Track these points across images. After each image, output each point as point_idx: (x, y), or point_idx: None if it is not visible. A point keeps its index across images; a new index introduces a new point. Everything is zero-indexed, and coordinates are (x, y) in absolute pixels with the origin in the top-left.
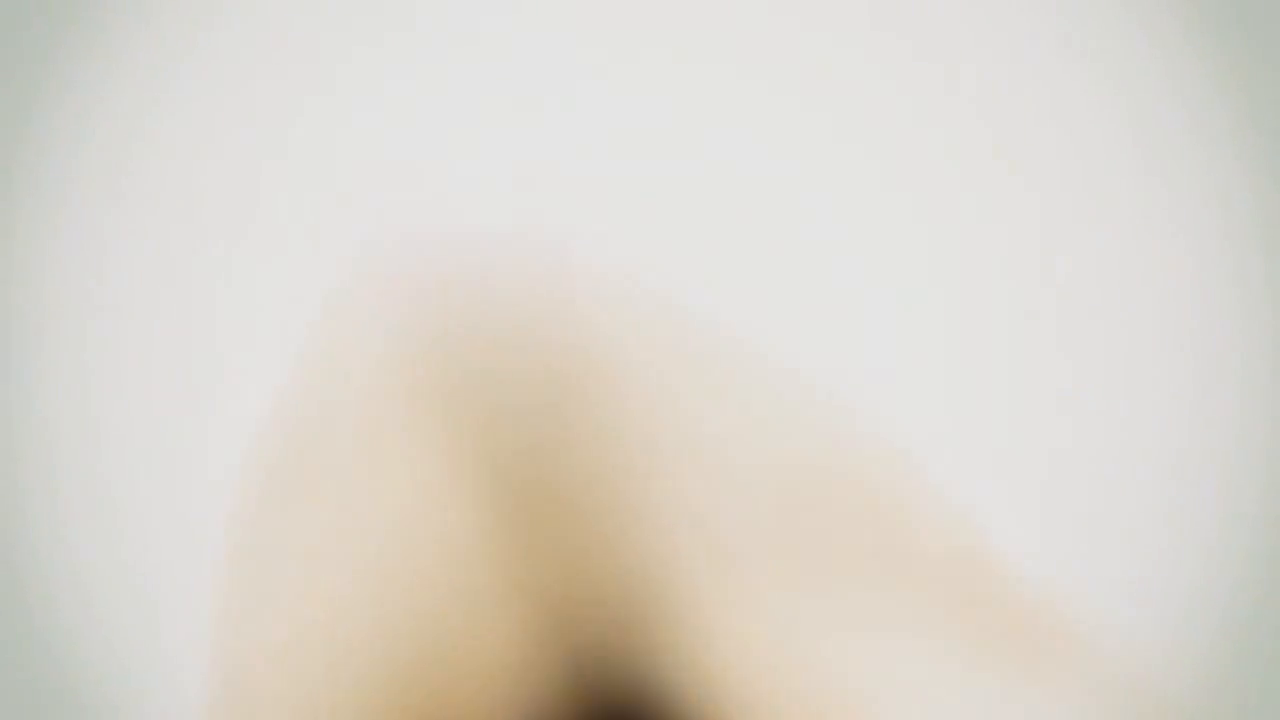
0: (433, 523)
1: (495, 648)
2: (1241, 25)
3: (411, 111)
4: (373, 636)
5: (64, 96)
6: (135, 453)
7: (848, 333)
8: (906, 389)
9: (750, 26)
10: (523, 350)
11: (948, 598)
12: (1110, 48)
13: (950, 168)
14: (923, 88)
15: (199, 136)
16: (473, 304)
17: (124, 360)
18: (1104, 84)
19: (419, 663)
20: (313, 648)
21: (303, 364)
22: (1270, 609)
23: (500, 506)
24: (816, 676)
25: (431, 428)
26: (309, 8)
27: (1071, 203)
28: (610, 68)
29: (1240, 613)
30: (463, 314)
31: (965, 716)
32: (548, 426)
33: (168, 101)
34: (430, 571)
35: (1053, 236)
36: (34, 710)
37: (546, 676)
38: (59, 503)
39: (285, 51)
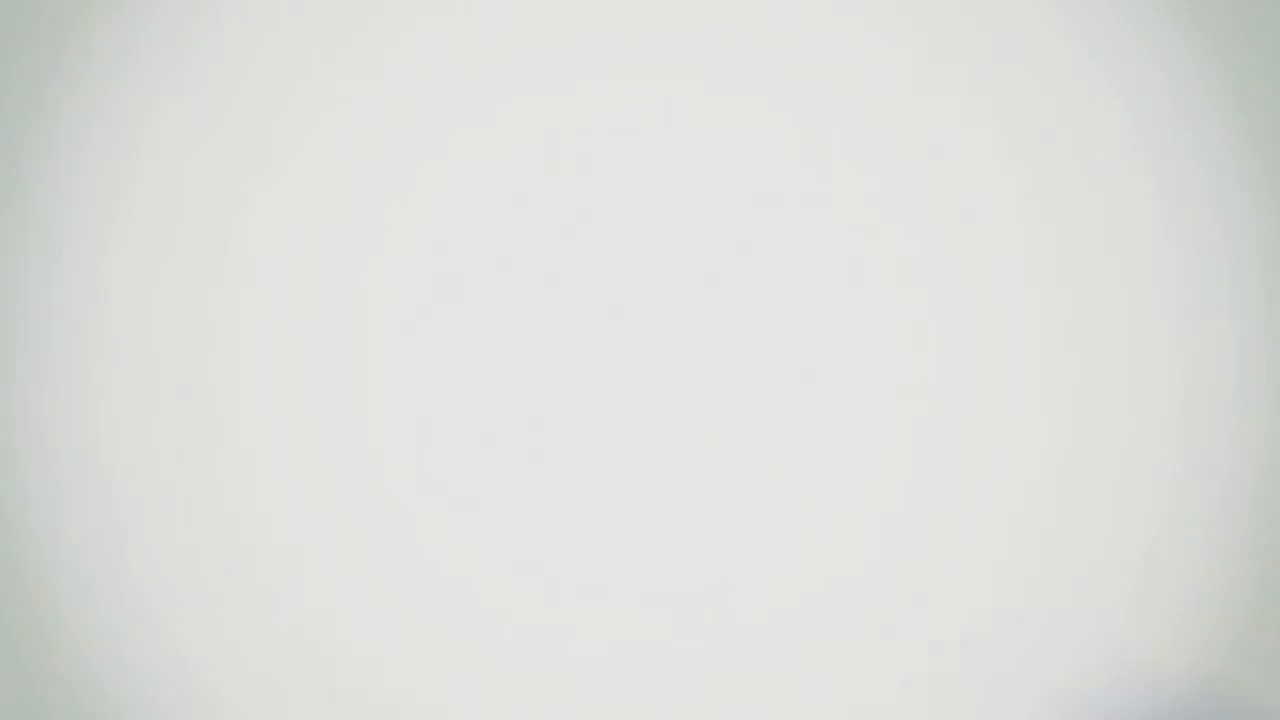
0: None
1: None
2: (1242, 34)
3: None
4: None
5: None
6: (138, 454)
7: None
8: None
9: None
10: None
11: None
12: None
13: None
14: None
15: None
16: None
17: (126, 363)
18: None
19: None
20: None
21: None
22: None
23: None
24: None
25: None
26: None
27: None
28: None
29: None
30: None
31: None
32: None
33: None
34: None
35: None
36: (34, 710)
37: None
38: (60, 502)
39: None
